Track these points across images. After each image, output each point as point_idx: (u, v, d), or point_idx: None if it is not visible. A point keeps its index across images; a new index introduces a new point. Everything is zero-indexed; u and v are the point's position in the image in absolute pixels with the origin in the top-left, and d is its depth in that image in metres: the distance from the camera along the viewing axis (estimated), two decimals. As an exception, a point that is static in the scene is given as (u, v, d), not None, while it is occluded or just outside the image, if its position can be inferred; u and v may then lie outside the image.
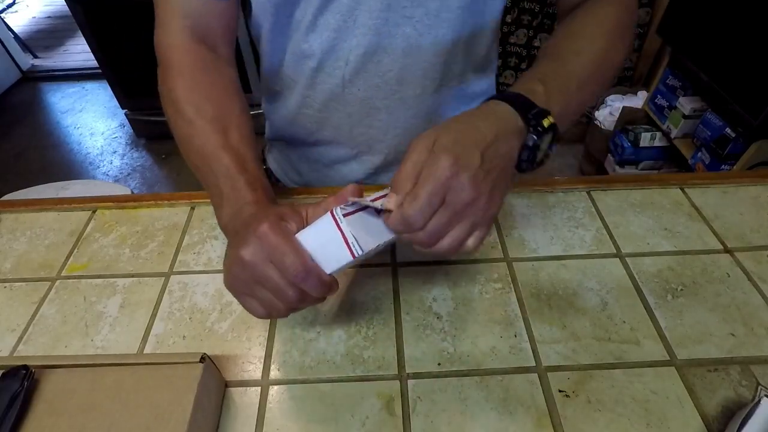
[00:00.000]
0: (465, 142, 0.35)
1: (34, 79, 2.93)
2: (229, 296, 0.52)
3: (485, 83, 0.66)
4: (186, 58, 0.51)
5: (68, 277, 0.55)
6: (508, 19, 2.12)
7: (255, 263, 0.36)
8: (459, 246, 0.36)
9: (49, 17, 3.58)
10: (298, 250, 0.36)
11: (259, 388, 0.45)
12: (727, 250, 0.56)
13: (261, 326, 0.49)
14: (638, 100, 2.04)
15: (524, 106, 0.39)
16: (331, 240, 0.36)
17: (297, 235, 0.37)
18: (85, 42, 2.03)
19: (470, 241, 0.37)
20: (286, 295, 0.36)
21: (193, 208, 0.64)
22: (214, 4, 0.52)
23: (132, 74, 2.11)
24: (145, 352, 0.48)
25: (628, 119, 1.94)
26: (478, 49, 0.59)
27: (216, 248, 0.58)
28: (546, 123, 0.38)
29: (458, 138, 0.35)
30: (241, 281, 0.37)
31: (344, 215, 0.36)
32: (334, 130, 0.63)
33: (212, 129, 0.46)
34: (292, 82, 0.61)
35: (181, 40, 0.51)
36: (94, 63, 2.15)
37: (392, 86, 0.58)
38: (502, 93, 0.40)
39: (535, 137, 0.38)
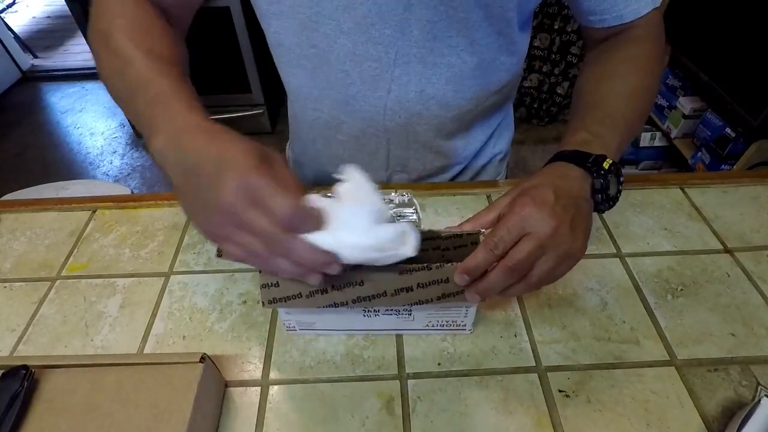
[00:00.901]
0: (536, 187, 0.39)
1: (34, 79, 2.93)
2: (229, 296, 0.52)
3: (511, 94, 0.68)
4: (128, 6, 0.47)
5: (68, 277, 0.55)
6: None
7: (240, 208, 0.31)
8: (548, 277, 0.38)
9: (49, 17, 3.58)
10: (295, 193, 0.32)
11: (259, 388, 0.45)
12: (727, 250, 0.56)
13: (261, 326, 0.49)
14: (638, 100, 2.03)
15: (581, 159, 0.42)
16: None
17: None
18: (85, 42, 2.04)
19: (561, 269, 0.38)
20: (274, 245, 0.32)
21: (193, 208, 0.63)
22: None
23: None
24: (145, 352, 0.48)
25: (628, 119, 1.94)
26: (510, 68, 0.60)
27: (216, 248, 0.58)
28: (605, 165, 0.42)
29: (527, 187, 0.40)
30: (220, 226, 0.33)
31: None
32: (370, 155, 0.64)
33: (152, 60, 0.41)
34: (323, 107, 0.61)
35: None
36: (94, 63, 2.14)
37: (434, 111, 0.59)
38: (558, 155, 0.44)
39: (600, 180, 0.41)
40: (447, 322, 0.46)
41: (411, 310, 0.44)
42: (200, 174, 0.33)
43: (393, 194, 0.60)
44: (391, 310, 0.44)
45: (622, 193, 0.44)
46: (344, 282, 0.38)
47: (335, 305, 0.39)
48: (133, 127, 2.35)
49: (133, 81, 0.41)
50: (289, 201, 0.31)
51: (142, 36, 0.44)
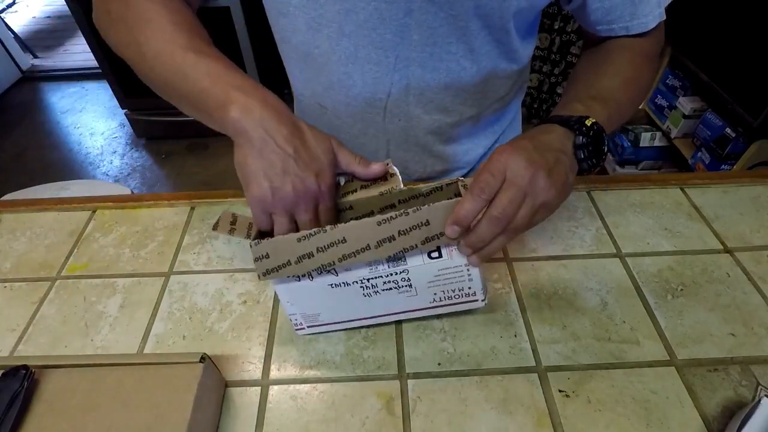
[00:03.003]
0: (516, 139, 0.41)
1: (34, 79, 2.93)
2: (229, 296, 0.52)
3: (516, 102, 0.68)
4: None
5: (68, 277, 0.55)
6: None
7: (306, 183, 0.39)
8: (525, 225, 0.39)
9: (49, 17, 3.58)
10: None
11: (259, 388, 0.45)
12: (727, 250, 0.56)
13: (261, 326, 0.49)
14: (638, 100, 2.04)
15: (564, 120, 0.43)
16: None
17: None
18: (85, 42, 2.02)
19: (536, 218, 0.39)
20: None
21: (193, 208, 0.64)
22: None
23: (132, 74, 2.07)
24: (145, 352, 0.48)
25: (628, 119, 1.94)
26: (512, 75, 0.60)
27: (216, 248, 0.58)
28: (588, 122, 0.42)
29: (511, 142, 0.40)
30: (280, 195, 0.39)
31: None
32: (370, 156, 0.64)
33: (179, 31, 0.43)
34: (325, 106, 0.61)
35: None
36: (94, 63, 2.15)
37: (434, 115, 0.59)
38: (544, 120, 0.45)
39: (582, 137, 0.42)
40: (454, 292, 0.45)
41: (410, 281, 0.43)
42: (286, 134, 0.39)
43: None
44: (390, 282, 0.43)
45: (607, 156, 0.45)
46: (327, 242, 0.39)
47: (324, 267, 0.40)
48: (133, 127, 2.35)
49: (178, 57, 0.42)
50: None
51: (169, 12, 0.45)
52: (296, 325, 0.47)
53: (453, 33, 0.51)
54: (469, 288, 0.44)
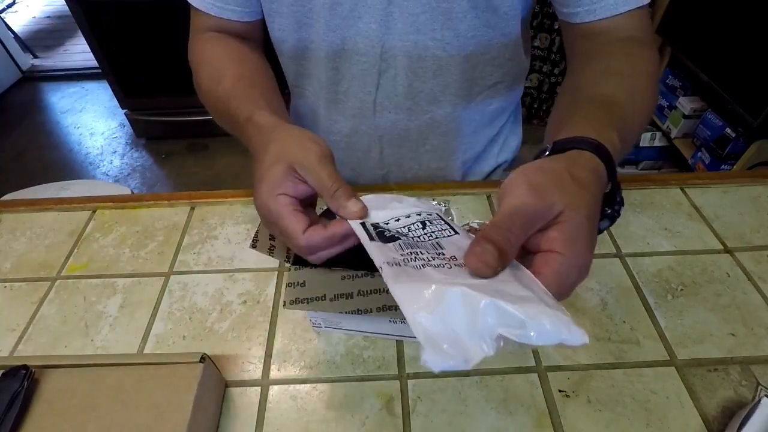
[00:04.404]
0: (577, 224, 0.29)
1: (34, 79, 2.93)
2: (229, 296, 0.52)
3: (512, 95, 0.66)
4: (215, 40, 0.55)
5: (68, 277, 0.55)
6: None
7: (264, 218, 0.38)
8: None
9: (49, 17, 3.58)
10: (294, 225, 0.35)
11: (259, 388, 0.45)
12: (727, 250, 0.56)
13: (261, 326, 0.49)
14: (638, 100, 2.03)
15: (611, 169, 0.33)
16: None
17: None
18: (85, 42, 2.02)
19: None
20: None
21: (193, 208, 0.64)
22: (237, 24, 0.55)
23: (132, 74, 2.11)
24: (145, 352, 0.48)
25: (628, 119, 1.94)
26: (506, 64, 0.59)
27: (216, 248, 0.58)
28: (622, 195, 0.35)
29: (567, 217, 0.29)
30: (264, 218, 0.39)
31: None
32: (363, 153, 0.64)
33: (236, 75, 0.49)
34: (318, 106, 0.61)
35: (210, 36, 0.55)
36: (94, 63, 2.15)
37: (423, 107, 0.58)
38: (589, 143, 0.33)
39: (608, 222, 0.35)
40: None
41: None
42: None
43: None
44: None
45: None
46: (371, 288, 0.37)
47: (359, 312, 0.37)
48: (133, 127, 2.35)
49: (233, 107, 0.46)
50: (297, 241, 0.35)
51: (238, 67, 0.51)
52: (315, 324, 0.47)
53: (436, 18, 0.50)
54: None
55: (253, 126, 0.42)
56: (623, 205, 0.36)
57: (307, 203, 0.38)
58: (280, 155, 0.37)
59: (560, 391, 0.43)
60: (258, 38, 0.59)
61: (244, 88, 0.48)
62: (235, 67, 0.51)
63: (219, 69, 0.51)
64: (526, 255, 0.29)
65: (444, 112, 0.60)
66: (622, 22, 0.47)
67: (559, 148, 0.33)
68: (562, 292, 0.29)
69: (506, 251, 0.26)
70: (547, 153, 0.34)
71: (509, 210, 0.28)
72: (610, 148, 0.33)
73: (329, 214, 0.38)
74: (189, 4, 0.55)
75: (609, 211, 0.35)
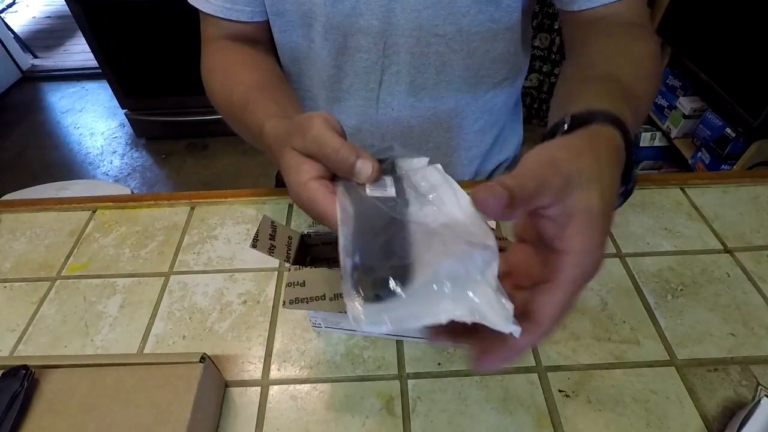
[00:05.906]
0: (593, 213, 0.26)
1: (34, 79, 2.93)
2: (229, 296, 0.52)
3: (513, 92, 0.66)
4: (226, 48, 0.54)
5: (68, 277, 0.55)
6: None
7: (304, 211, 0.32)
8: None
9: (49, 17, 3.58)
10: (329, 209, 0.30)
11: (259, 388, 0.45)
12: (727, 250, 0.56)
13: (261, 326, 0.49)
14: (638, 100, 2.03)
15: (629, 144, 0.33)
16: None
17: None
18: (85, 42, 2.02)
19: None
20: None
21: (193, 208, 0.64)
22: (246, 26, 0.55)
23: (132, 74, 2.11)
24: (145, 352, 0.48)
25: (628, 119, 1.94)
26: (509, 59, 0.59)
27: (216, 248, 0.58)
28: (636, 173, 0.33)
29: (582, 205, 0.26)
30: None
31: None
32: (366, 151, 0.64)
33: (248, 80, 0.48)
34: (320, 105, 0.61)
35: (220, 45, 0.55)
36: (94, 63, 2.15)
37: (426, 103, 0.58)
38: (609, 116, 0.32)
39: (621, 200, 0.34)
40: None
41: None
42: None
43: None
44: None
45: None
46: None
47: None
48: (133, 127, 2.35)
49: (247, 116, 0.44)
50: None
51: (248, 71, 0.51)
52: (315, 324, 0.47)
53: (439, 13, 0.50)
54: None
55: (266, 135, 0.41)
56: (636, 183, 0.34)
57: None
58: (287, 143, 0.34)
59: (560, 391, 0.43)
60: (268, 40, 0.59)
61: (257, 95, 0.47)
62: (247, 74, 0.50)
63: (230, 78, 0.50)
64: (540, 245, 0.28)
65: (447, 108, 0.60)
66: (620, 8, 0.48)
67: (577, 122, 0.31)
68: (577, 291, 0.27)
69: (517, 198, 0.25)
70: (566, 126, 0.32)
71: (527, 168, 0.27)
72: (626, 123, 0.32)
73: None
74: (189, 5, 0.55)
75: (623, 189, 0.33)
